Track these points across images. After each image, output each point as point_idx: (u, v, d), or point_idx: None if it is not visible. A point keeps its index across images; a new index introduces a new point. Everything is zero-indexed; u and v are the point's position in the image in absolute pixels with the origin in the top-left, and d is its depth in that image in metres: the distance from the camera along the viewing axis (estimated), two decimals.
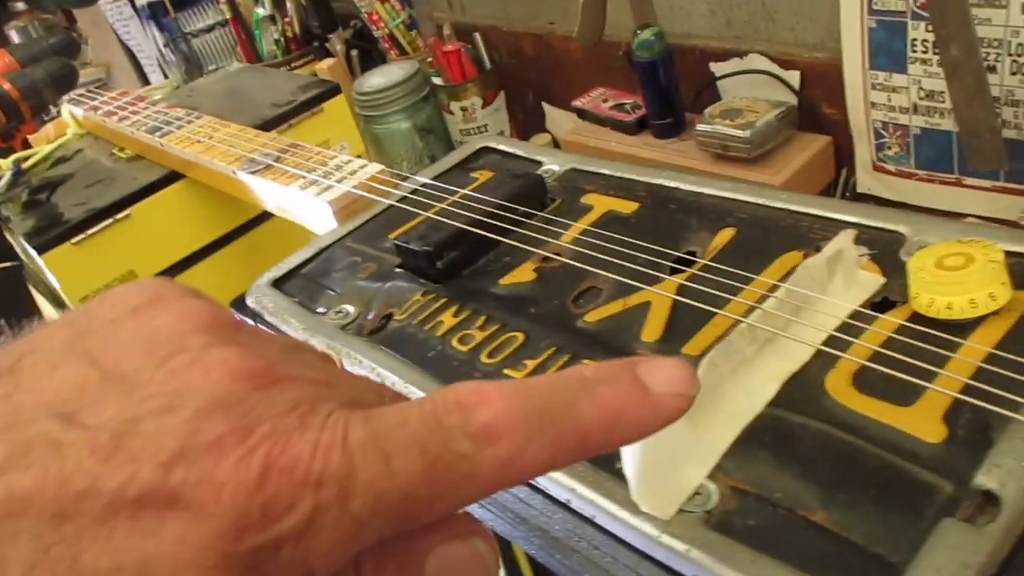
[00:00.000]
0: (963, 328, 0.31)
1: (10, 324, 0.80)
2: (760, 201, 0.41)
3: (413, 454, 0.18)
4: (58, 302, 0.79)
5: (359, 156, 0.87)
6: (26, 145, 1.05)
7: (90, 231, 0.72)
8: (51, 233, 0.72)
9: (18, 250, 0.80)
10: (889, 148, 0.73)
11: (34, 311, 0.82)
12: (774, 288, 0.34)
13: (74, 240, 0.72)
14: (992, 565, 0.23)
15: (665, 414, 0.20)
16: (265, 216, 0.79)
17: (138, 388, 0.18)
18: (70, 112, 0.94)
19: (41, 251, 0.71)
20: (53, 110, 1.06)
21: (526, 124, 1.12)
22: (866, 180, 0.77)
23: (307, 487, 0.17)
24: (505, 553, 0.59)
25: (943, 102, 0.66)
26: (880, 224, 0.37)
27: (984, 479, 0.25)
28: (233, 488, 0.16)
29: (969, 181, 0.70)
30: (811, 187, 0.77)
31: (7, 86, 1.12)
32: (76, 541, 0.16)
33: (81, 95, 0.94)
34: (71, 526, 0.16)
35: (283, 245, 0.52)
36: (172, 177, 0.75)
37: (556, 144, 1.02)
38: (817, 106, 0.77)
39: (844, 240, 0.34)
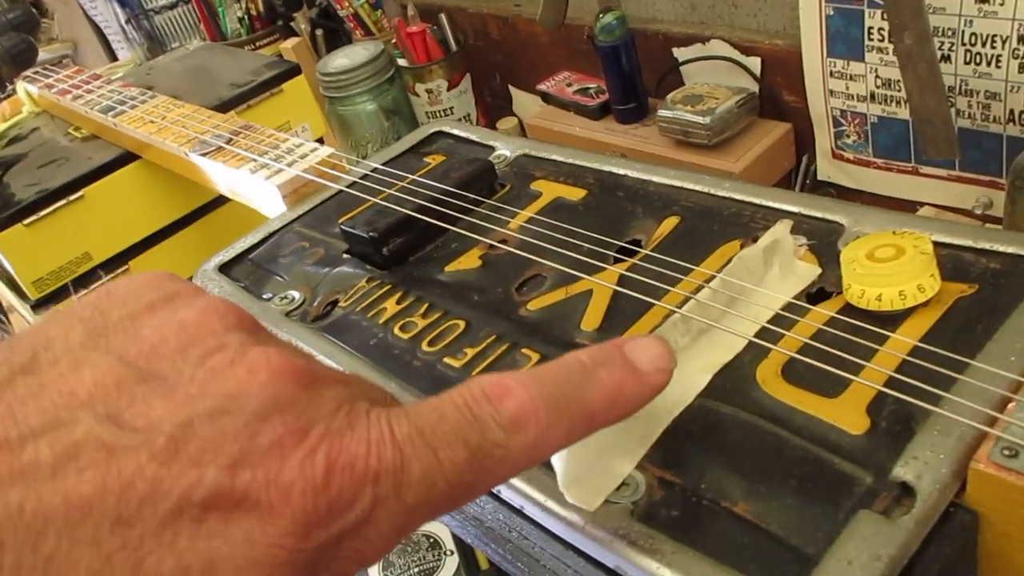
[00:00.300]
0: (893, 320, 0.31)
1: None
2: (704, 189, 0.41)
3: (457, 445, 0.19)
4: (13, 285, 0.78)
5: (319, 138, 0.87)
6: None
7: (42, 212, 0.71)
8: (2, 214, 0.70)
9: None
10: (848, 136, 0.73)
11: None
12: (710, 279, 0.34)
13: (26, 222, 0.71)
14: (903, 557, 0.23)
15: (652, 388, 0.23)
16: (223, 199, 0.78)
17: (180, 388, 0.18)
18: (25, 90, 0.92)
19: None
20: (10, 87, 1.04)
21: (493, 107, 1.11)
22: (826, 168, 0.77)
23: (367, 482, 0.18)
24: (461, 542, 0.59)
25: (899, 91, 0.66)
26: (820, 214, 0.37)
27: (902, 471, 0.25)
28: (301, 487, 0.17)
29: (926, 170, 0.70)
30: (771, 174, 0.78)
31: None
32: (139, 546, 0.16)
33: (36, 72, 0.92)
34: (133, 531, 0.16)
35: (241, 229, 0.51)
36: (127, 158, 0.74)
37: (522, 127, 1.02)
38: (778, 93, 0.77)
39: (780, 230, 0.35)
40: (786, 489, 0.26)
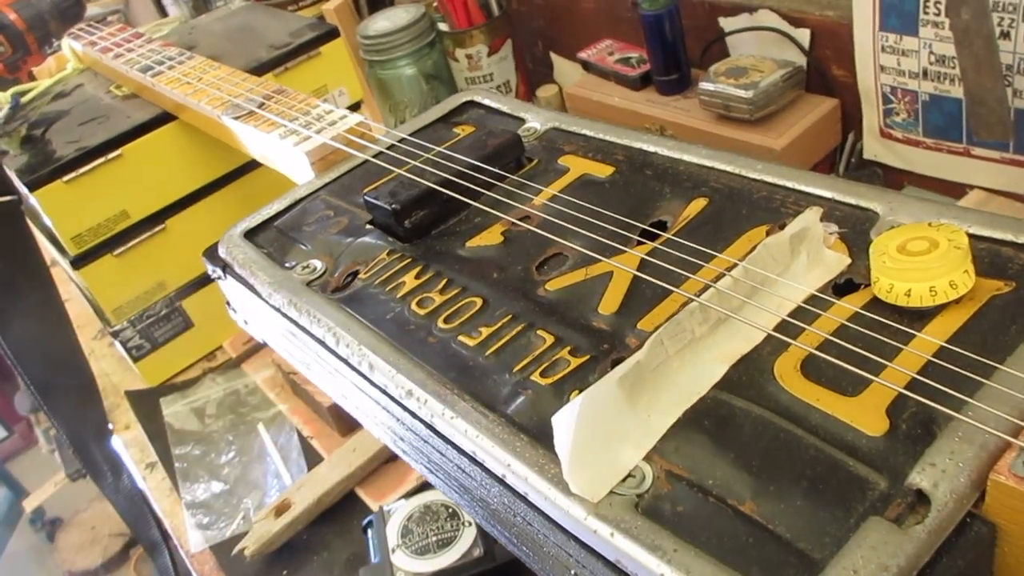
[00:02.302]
0: (922, 316, 0.29)
1: (7, 260, 0.80)
2: (735, 171, 0.40)
3: None
4: (53, 240, 0.79)
5: (357, 102, 0.86)
6: (31, 78, 1.04)
7: (82, 170, 0.72)
8: (42, 170, 0.71)
9: (17, 185, 0.79)
10: (897, 114, 0.70)
11: (32, 246, 0.83)
12: (732, 267, 0.33)
13: (66, 178, 0.72)
14: (913, 568, 0.22)
15: None
16: (258, 162, 0.78)
17: None
18: (70, 46, 0.93)
19: (32, 188, 0.71)
20: (56, 43, 1.05)
21: (534, 74, 1.10)
22: (873, 146, 0.74)
23: None
24: None
25: (953, 68, 0.63)
26: (854, 201, 0.36)
27: (918, 477, 0.24)
28: None
29: (978, 151, 0.67)
30: (816, 152, 0.75)
31: (12, 16, 1.11)
32: None
33: (81, 29, 0.93)
34: None
35: (276, 192, 0.51)
36: (165, 118, 0.74)
37: (562, 96, 1.00)
38: (826, 67, 0.74)
39: (810, 218, 0.33)
40: (796, 490, 0.25)
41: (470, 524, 0.55)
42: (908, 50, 0.65)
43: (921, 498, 0.24)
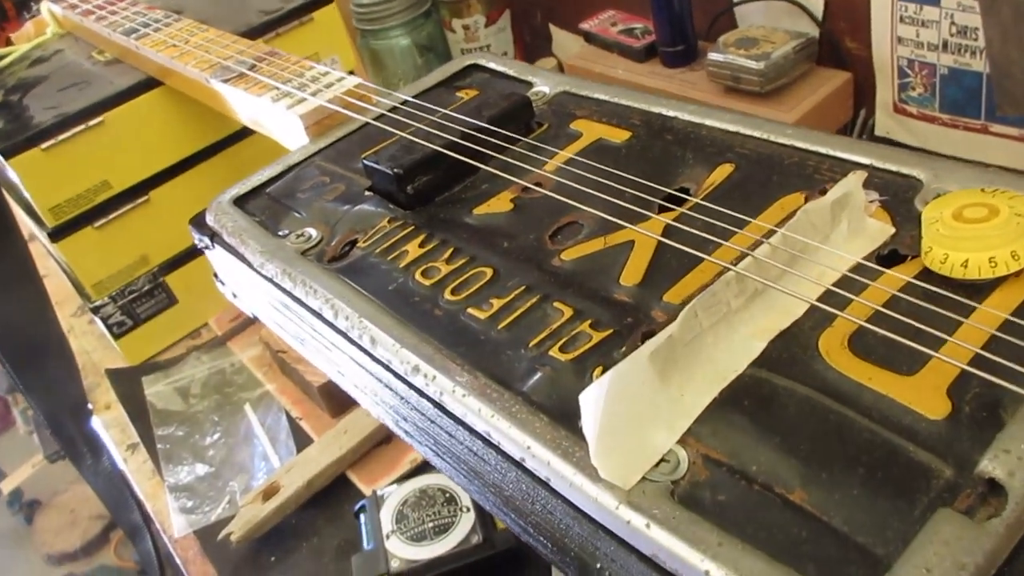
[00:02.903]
0: (980, 289, 0.27)
1: None
2: (764, 136, 0.37)
3: None
4: (30, 211, 0.75)
5: (349, 72, 0.83)
6: (9, 43, 1.00)
7: (61, 137, 0.68)
8: (19, 137, 0.68)
9: None
10: (913, 88, 0.68)
11: (8, 219, 0.79)
12: (770, 233, 0.30)
13: (43, 146, 0.68)
14: (991, 567, 0.20)
15: None
16: (249, 131, 0.74)
17: None
18: (50, 10, 0.89)
19: (8, 155, 0.67)
20: (35, 7, 1.01)
21: (532, 47, 1.07)
22: (885, 122, 0.72)
23: None
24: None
25: (975, 40, 0.61)
26: (895, 167, 0.33)
27: (990, 465, 0.22)
28: None
29: (996, 128, 0.65)
30: (826, 127, 0.73)
31: None
32: None
33: None
34: None
35: (266, 163, 0.48)
36: (149, 84, 0.71)
37: (562, 69, 0.97)
38: (840, 39, 0.72)
39: (852, 183, 0.31)
40: (851, 478, 0.23)
41: (468, 510, 0.53)
42: (928, 20, 0.63)
43: (994, 488, 0.21)
